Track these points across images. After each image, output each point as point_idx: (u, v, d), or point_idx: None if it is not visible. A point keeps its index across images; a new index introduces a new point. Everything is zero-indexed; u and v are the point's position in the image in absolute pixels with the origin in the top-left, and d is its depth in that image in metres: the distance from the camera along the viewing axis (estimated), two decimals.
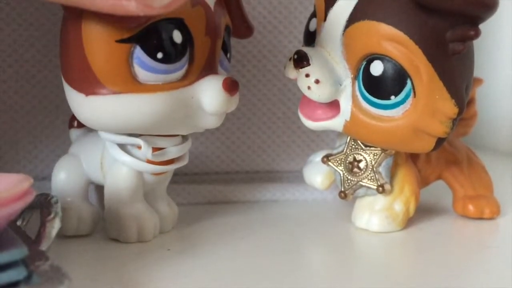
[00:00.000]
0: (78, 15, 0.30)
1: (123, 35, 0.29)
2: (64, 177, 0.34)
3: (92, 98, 0.30)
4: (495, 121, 0.61)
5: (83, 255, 0.32)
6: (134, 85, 0.30)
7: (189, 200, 0.41)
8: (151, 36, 0.30)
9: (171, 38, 0.30)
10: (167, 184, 0.36)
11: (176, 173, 0.43)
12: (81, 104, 0.31)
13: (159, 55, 0.30)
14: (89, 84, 0.30)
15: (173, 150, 0.33)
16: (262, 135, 0.44)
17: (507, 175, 0.50)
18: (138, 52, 0.30)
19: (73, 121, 0.37)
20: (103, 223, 0.34)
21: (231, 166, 0.44)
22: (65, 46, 0.31)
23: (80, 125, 0.36)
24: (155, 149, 0.33)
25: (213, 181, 0.44)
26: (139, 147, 0.32)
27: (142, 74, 0.30)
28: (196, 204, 0.41)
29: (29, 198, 0.25)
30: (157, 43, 0.30)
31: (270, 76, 0.44)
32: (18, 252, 0.24)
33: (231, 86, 0.32)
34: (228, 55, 0.34)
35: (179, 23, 0.30)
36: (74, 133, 0.37)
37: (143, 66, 0.30)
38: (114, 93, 0.30)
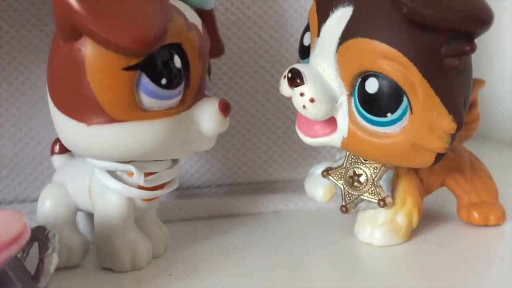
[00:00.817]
0: (80, 44, 0.29)
1: (130, 62, 0.29)
2: (51, 206, 0.33)
3: (94, 127, 0.30)
4: (497, 112, 0.60)
5: (78, 287, 0.31)
6: (139, 112, 0.30)
7: (191, 215, 0.41)
8: (155, 62, 0.30)
9: (172, 63, 0.30)
10: (157, 207, 0.36)
11: (178, 188, 0.43)
12: (81, 135, 0.30)
13: (163, 81, 0.30)
14: (91, 114, 0.30)
15: (165, 174, 0.33)
16: (262, 146, 0.44)
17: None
18: (143, 79, 0.30)
19: (54, 147, 0.36)
20: (93, 252, 0.34)
21: (233, 178, 0.44)
22: (61, 74, 0.30)
23: (62, 151, 0.35)
24: (146, 174, 0.32)
25: (215, 194, 0.44)
26: (130, 174, 0.32)
27: (147, 101, 0.30)
28: (198, 218, 0.41)
29: (24, 240, 0.25)
30: (161, 69, 0.30)
31: (268, 86, 0.43)
32: None
33: (226, 108, 0.32)
34: (210, 75, 0.34)
35: (178, 48, 0.31)
36: (57, 159, 0.35)
37: (148, 93, 0.30)
38: (119, 121, 0.30)
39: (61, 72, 0.30)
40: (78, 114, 0.30)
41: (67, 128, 0.31)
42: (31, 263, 0.29)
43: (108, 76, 0.29)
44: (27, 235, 0.25)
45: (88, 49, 0.29)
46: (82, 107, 0.30)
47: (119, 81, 0.29)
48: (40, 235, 0.29)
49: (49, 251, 0.28)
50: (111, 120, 0.30)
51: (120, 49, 0.29)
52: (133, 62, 0.29)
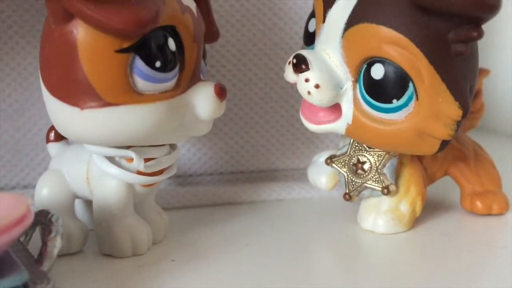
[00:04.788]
0: (72, 26, 0.29)
1: (123, 45, 0.29)
2: (48, 194, 0.33)
3: (88, 111, 0.30)
4: (498, 103, 0.60)
5: (80, 274, 0.31)
6: (133, 96, 0.30)
7: (194, 202, 0.41)
8: (149, 44, 0.30)
9: (167, 46, 0.30)
10: (157, 193, 0.36)
11: (180, 175, 0.43)
12: (75, 119, 0.30)
13: (157, 64, 0.30)
14: (85, 97, 0.30)
15: (164, 159, 0.33)
16: (265, 134, 0.44)
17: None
18: (137, 61, 0.29)
19: (49, 135, 0.35)
20: (92, 239, 0.34)
21: (236, 166, 0.44)
22: (54, 58, 0.30)
23: (58, 139, 0.35)
24: (146, 160, 0.32)
25: (218, 182, 0.43)
26: (129, 160, 0.32)
27: (141, 84, 0.30)
28: (201, 206, 0.41)
29: (28, 222, 0.25)
30: (155, 51, 0.30)
31: (272, 74, 0.43)
32: (18, 278, 0.24)
33: (222, 92, 0.32)
34: (206, 59, 0.34)
35: (172, 31, 0.30)
36: (53, 147, 0.35)
37: (142, 76, 0.30)
38: (113, 105, 0.30)
39: (53, 55, 0.30)
40: (71, 99, 0.30)
41: (61, 113, 0.31)
42: (33, 248, 0.29)
43: (101, 59, 0.29)
44: (31, 217, 0.25)
45: (80, 31, 0.29)
46: (75, 91, 0.30)
47: (112, 63, 0.29)
48: (43, 219, 0.29)
49: (53, 234, 0.28)
50: (105, 104, 0.29)
51: (112, 31, 0.28)
52: (126, 44, 0.29)
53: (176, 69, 0.31)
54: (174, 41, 0.30)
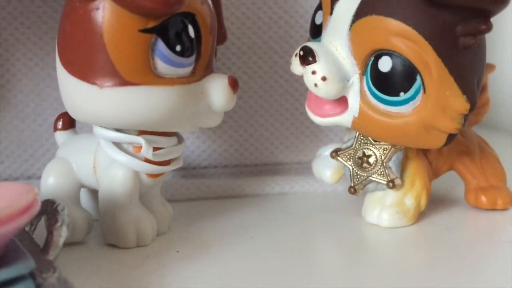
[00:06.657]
0: (98, 4, 0.29)
1: (147, 25, 0.29)
2: (54, 182, 0.33)
3: (107, 90, 0.30)
4: (500, 99, 0.60)
5: (84, 264, 0.31)
6: (153, 77, 0.30)
7: (199, 194, 0.41)
8: (171, 28, 0.30)
9: (186, 32, 0.31)
10: (161, 185, 0.36)
11: (185, 168, 0.43)
12: (93, 98, 0.30)
13: (178, 48, 0.30)
14: (104, 76, 0.30)
15: (172, 150, 0.33)
16: (270, 127, 0.44)
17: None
18: (159, 44, 0.30)
19: (57, 123, 0.35)
20: (96, 229, 0.34)
21: (240, 159, 0.44)
22: (76, 35, 0.30)
23: (66, 127, 0.35)
24: (154, 149, 0.32)
25: (222, 175, 0.43)
26: (137, 149, 0.32)
27: (161, 67, 0.30)
28: (205, 199, 0.41)
29: (35, 210, 0.25)
30: (176, 35, 0.30)
31: (277, 68, 0.43)
32: (25, 266, 0.24)
33: (235, 83, 0.32)
34: (216, 57, 0.34)
35: (192, 18, 0.31)
36: (60, 136, 0.35)
37: (162, 58, 0.30)
38: (132, 84, 0.30)
39: (75, 33, 0.30)
40: (90, 77, 0.30)
41: (78, 92, 0.31)
42: (38, 238, 0.29)
43: (125, 38, 0.29)
44: (38, 206, 0.25)
45: (106, 8, 0.29)
46: (95, 68, 0.30)
47: (135, 43, 0.30)
48: (49, 208, 0.29)
49: (58, 223, 0.28)
50: (124, 82, 0.30)
51: (140, 9, 0.29)
52: (151, 24, 0.30)
53: (193, 57, 0.31)
54: (193, 28, 0.31)
